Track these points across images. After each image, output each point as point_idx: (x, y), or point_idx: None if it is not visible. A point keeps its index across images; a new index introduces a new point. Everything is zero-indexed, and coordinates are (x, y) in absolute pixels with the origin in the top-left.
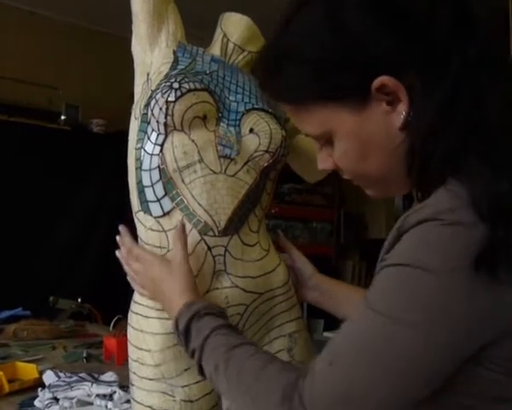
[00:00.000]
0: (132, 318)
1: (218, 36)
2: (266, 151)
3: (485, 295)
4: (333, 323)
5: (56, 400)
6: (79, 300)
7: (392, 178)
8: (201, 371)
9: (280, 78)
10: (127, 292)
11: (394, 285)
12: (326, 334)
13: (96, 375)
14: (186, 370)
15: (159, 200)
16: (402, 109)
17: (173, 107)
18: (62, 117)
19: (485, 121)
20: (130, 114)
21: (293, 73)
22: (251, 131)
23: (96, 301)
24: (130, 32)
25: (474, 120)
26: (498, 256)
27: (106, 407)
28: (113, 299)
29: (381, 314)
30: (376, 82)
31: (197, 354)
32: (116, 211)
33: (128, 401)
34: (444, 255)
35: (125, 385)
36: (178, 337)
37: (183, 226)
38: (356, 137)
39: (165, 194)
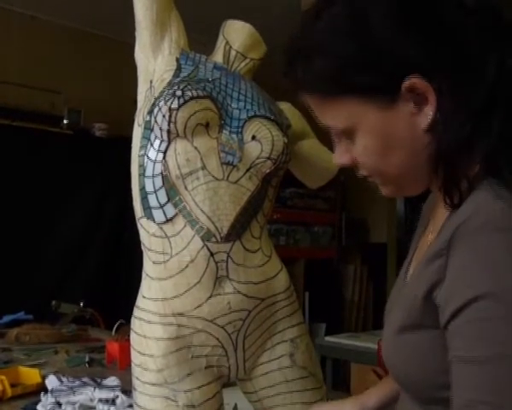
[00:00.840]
0: (135, 323)
1: (220, 43)
2: (268, 158)
3: None
4: (335, 327)
5: (59, 404)
6: (82, 304)
7: (410, 177)
8: None
9: (308, 68)
10: (129, 296)
11: (482, 326)
12: (328, 338)
13: (98, 380)
14: (188, 375)
15: (162, 206)
16: (429, 111)
17: (176, 114)
18: (65, 121)
19: None
20: (132, 118)
21: (322, 65)
22: (253, 138)
23: (98, 305)
24: (132, 36)
25: (510, 127)
26: None
27: None
28: (116, 303)
29: (483, 361)
30: (407, 82)
31: None
32: (118, 215)
33: (131, 406)
34: (507, 275)
35: (127, 390)
36: None
37: None
38: (379, 134)
39: (168, 200)
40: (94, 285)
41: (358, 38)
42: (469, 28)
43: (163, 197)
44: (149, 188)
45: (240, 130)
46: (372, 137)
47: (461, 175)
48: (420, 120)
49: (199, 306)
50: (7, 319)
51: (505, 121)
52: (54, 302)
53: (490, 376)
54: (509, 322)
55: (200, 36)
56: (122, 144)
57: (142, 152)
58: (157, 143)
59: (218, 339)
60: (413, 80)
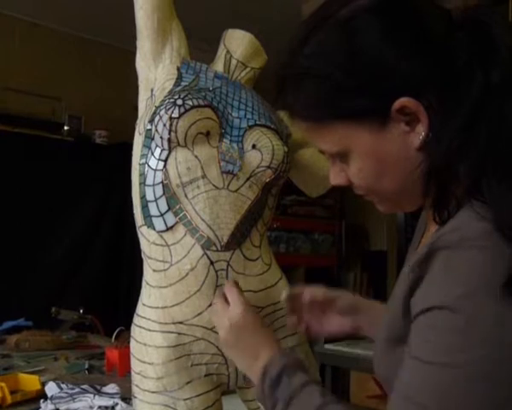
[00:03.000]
0: (135, 331)
1: (221, 52)
2: (268, 167)
3: None
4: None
5: None
6: (81, 311)
7: (405, 196)
8: None
9: (298, 95)
10: (129, 303)
11: (436, 332)
12: (327, 346)
13: (98, 387)
14: (188, 383)
15: (162, 215)
16: (421, 130)
17: (177, 123)
18: (65, 128)
19: (508, 145)
20: (132, 125)
21: (312, 91)
22: (253, 147)
23: (98, 311)
24: (133, 44)
25: (496, 143)
26: None
27: None
28: (115, 310)
29: (431, 364)
30: (397, 103)
31: (282, 404)
32: (118, 222)
33: None
34: (474, 288)
35: (127, 397)
36: (261, 385)
37: (231, 283)
38: (373, 156)
39: (169, 209)
40: (94, 292)
41: (347, 62)
42: (456, 44)
43: (163, 206)
44: (150, 196)
45: (240, 139)
46: (365, 160)
47: (450, 193)
48: (412, 139)
49: (199, 314)
50: (7, 325)
51: (490, 139)
52: (53, 309)
53: (431, 380)
54: (462, 336)
55: (200, 43)
56: (122, 151)
57: (143, 161)
58: (158, 151)
59: (217, 347)
60: (403, 101)
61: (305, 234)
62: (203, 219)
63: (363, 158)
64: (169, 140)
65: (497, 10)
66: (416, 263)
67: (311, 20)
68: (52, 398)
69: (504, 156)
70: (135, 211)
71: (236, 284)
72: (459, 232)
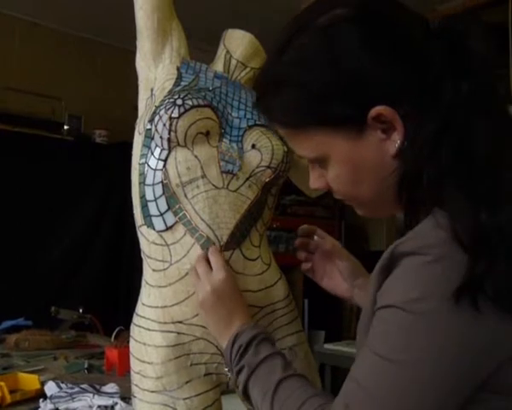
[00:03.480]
0: (135, 330)
1: (221, 52)
2: (268, 167)
3: (470, 328)
4: (334, 334)
5: None
6: (81, 310)
7: (381, 202)
8: (245, 390)
9: (277, 101)
10: (129, 303)
11: (387, 328)
12: (327, 346)
13: (97, 386)
14: (187, 382)
15: (162, 214)
16: (396, 138)
17: (177, 123)
18: (65, 127)
19: (471, 154)
20: (132, 124)
21: (290, 97)
22: (253, 146)
23: (97, 311)
24: (133, 44)
25: (460, 152)
26: (479, 287)
27: None
28: (115, 309)
29: (379, 357)
30: (373, 111)
31: (247, 371)
32: (118, 222)
33: None
34: (427, 294)
35: (126, 397)
36: (230, 349)
37: (215, 248)
38: (350, 163)
39: (168, 208)
40: (93, 291)
41: (324, 70)
42: (432, 54)
43: (163, 205)
44: (149, 196)
45: (240, 139)
46: (343, 166)
47: (419, 200)
48: (388, 146)
49: (198, 313)
50: (6, 324)
51: (453, 150)
52: (53, 308)
53: (376, 370)
54: (408, 335)
55: (200, 43)
56: (123, 151)
57: (143, 160)
58: (157, 151)
59: (216, 347)
60: (379, 109)
61: None
62: (203, 219)
63: (340, 164)
64: (169, 140)
65: (476, 20)
66: (381, 267)
67: (291, 27)
68: (51, 397)
69: (466, 167)
70: (134, 211)
71: (220, 249)
72: (418, 240)
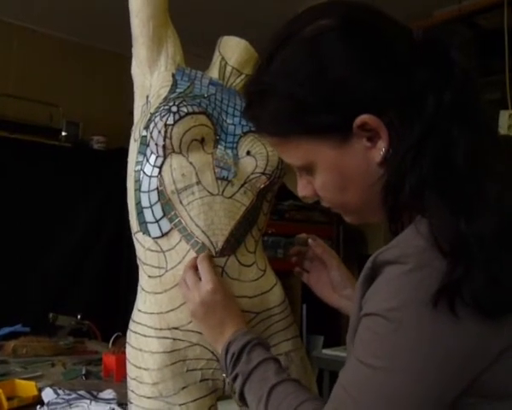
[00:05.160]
0: (131, 337)
1: (216, 59)
2: (263, 173)
3: (449, 334)
4: (332, 339)
5: None
6: (79, 316)
7: (368, 209)
8: (241, 396)
9: (263, 110)
10: (126, 309)
11: (370, 335)
12: (325, 351)
13: (94, 392)
14: (184, 388)
15: (157, 221)
16: (382, 146)
17: (172, 130)
18: (63, 134)
19: (452, 164)
20: (130, 131)
21: (276, 107)
22: (248, 153)
23: (95, 317)
24: (130, 50)
25: (441, 162)
26: (456, 292)
27: None
28: (113, 316)
29: (363, 363)
30: (358, 120)
31: (241, 379)
32: (116, 228)
33: None
34: (407, 302)
35: (123, 403)
36: (224, 358)
37: (205, 256)
38: (336, 171)
39: (164, 215)
40: (91, 298)
41: (310, 80)
42: (416, 64)
43: (158, 212)
44: (145, 203)
45: (235, 145)
46: (329, 174)
47: (402, 207)
48: (373, 154)
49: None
50: (4, 331)
51: (435, 159)
52: (51, 315)
53: (360, 376)
54: (389, 343)
55: (197, 49)
56: (120, 157)
57: (138, 167)
58: (153, 158)
59: (212, 352)
60: (364, 118)
61: None
62: (198, 226)
63: (327, 172)
64: (164, 147)
65: (460, 31)
66: (364, 275)
67: (278, 37)
68: (49, 404)
69: (447, 176)
70: (130, 217)
71: (209, 257)
72: (398, 248)
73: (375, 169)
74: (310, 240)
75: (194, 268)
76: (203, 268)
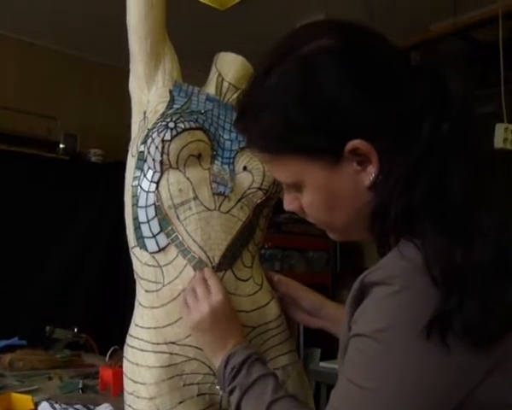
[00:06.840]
0: (128, 351)
1: (213, 75)
2: (259, 188)
3: (437, 360)
4: (330, 352)
5: None
6: (76, 330)
7: (354, 229)
8: (238, 409)
9: (255, 125)
10: (123, 322)
11: (359, 356)
12: (323, 364)
13: (91, 406)
14: (180, 403)
15: (154, 236)
16: (372, 171)
17: (169, 145)
18: (61, 146)
19: (447, 194)
20: (127, 144)
21: (268, 123)
22: (244, 168)
23: (92, 330)
24: (128, 64)
25: (436, 189)
26: (449, 323)
27: None
28: (110, 329)
29: (352, 383)
30: (350, 145)
31: (239, 392)
32: (113, 241)
33: None
34: (395, 323)
35: None
36: (223, 369)
37: (211, 270)
38: (325, 191)
39: (161, 230)
40: (88, 311)
41: (304, 99)
42: (412, 91)
43: (156, 227)
44: (142, 218)
45: (231, 161)
46: (317, 194)
47: (389, 231)
48: (363, 178)
49: (191, 334)
50: (0, 344)
51: (428, 189)
52: (48, 328)
53: (349, 396)
54: (376, 364)
55: (195, 63)
56: (117, 170)
57: (136, 183)
58: (150, 173)
59: (209, 367)
60: (355, 143)
61: (299, 252)
62: (195, 241)
63: (315, 192)
64: (161, 162)
65: (455, 58)
66: (352, 296)
67: (275, 52)
68: None
69: (441, 206)
70: (127, 232)
71: (215, 272)
72: (385, 270)
73: (364, 192)
74: (275, 278)
75: (204, 281)
76: (213, 280)
